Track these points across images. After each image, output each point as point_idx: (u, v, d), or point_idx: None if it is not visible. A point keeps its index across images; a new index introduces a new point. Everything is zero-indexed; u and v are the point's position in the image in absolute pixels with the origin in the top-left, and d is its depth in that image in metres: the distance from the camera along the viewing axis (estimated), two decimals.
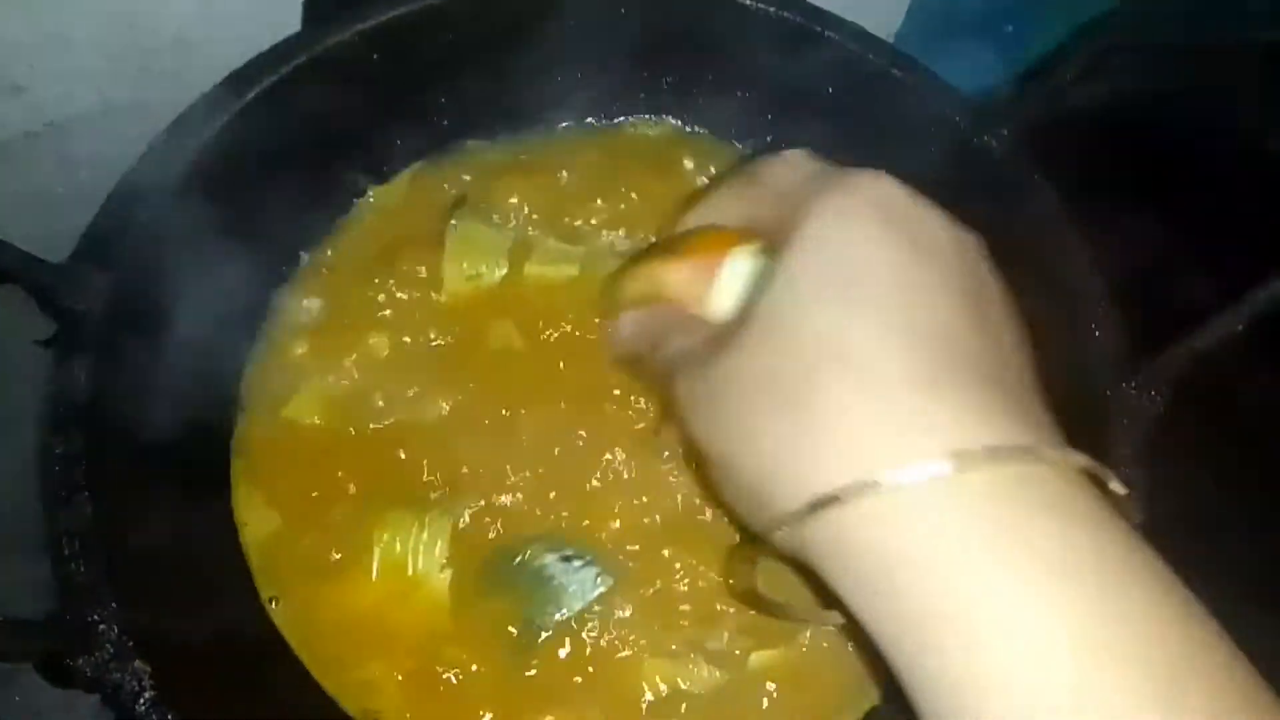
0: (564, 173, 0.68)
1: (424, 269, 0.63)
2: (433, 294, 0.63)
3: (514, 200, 0.66)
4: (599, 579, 0.54)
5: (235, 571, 0.54)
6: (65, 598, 0.44)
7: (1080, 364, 0.55)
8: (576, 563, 0.55)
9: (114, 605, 0.44)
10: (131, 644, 0.43)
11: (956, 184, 0.60)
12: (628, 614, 0.54)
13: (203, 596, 0.51)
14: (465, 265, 0.63)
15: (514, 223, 0.66)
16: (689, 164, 0.70)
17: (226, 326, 0.59)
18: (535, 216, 0.66)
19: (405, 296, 0.63)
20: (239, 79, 0.58)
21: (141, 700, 0.43)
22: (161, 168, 0.55)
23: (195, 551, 0.53)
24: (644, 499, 0.56)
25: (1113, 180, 0.73)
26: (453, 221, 0.63)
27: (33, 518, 0.64)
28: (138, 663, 0.43)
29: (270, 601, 0.54)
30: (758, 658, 0.54)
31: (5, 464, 0.66)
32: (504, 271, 0.63)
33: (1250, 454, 0.59)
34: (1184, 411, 0.51)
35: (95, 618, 0.43)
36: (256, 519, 0.56)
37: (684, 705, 0.53)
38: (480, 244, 0.63)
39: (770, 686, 0.54)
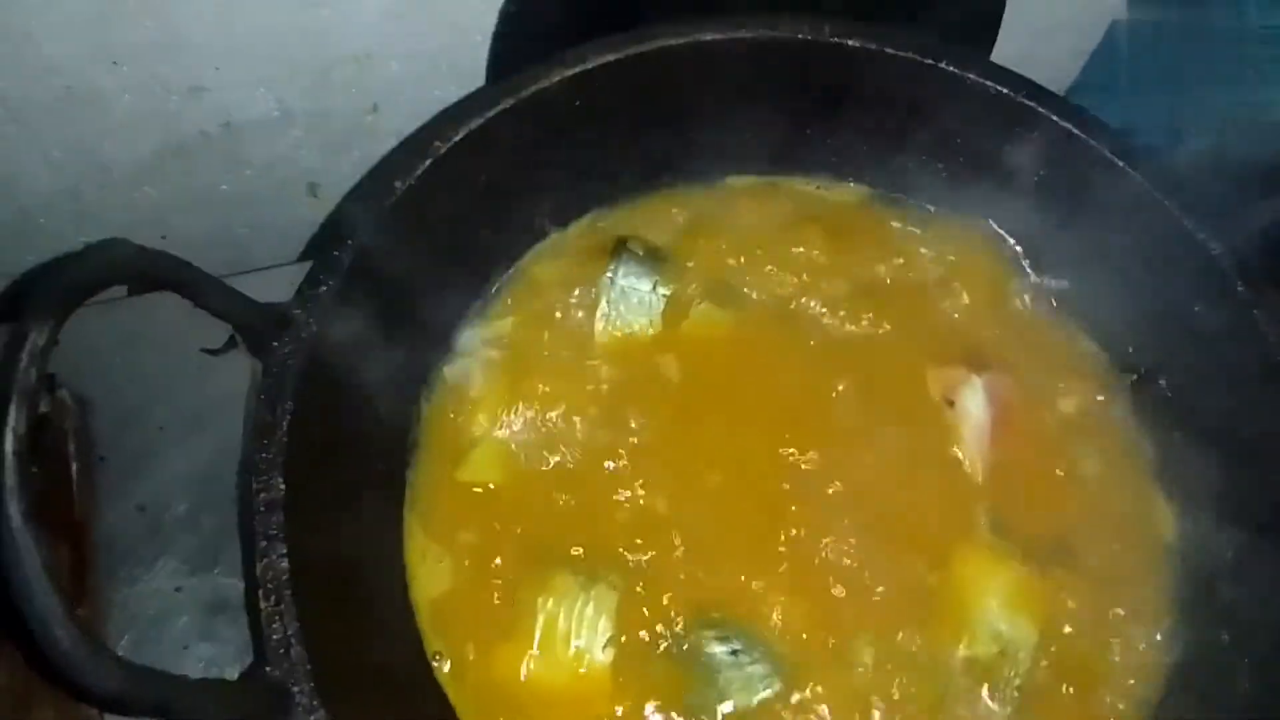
0: (735, 230, 0.66)
1: (587, 318, 0.62)
2: (594, 341, 0.62)
3: (683, 252, 0.65)
4: (766, 681, 0.53)
5: (408, 628, 0.53)
6: (259, 656, 0.44)
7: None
8: (745, 658, 0.53)
9: (308, 666, 0.44)
10: (324, 711, 0.43)
11: (1175, 284, 0.58)
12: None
13: (378, 654, 0.51)
14: (619, 323, 0.62)
15: (676, 278, 0.64)
16: (875, 230, 0.68)
17: (408, 374, 0.59)
18: (701, 267, 0.65)
19: (570, 346, 0.62)
20: (443, 121, 0.56)
21: None
22: (365, 208, 0.54)
23: (371, 607, 0.53)
24: (836, 591, 0.54)
25: None
26: (608, 275, 0.62)
27: (190, 530, 0.66)
28: None
29: (435, 658, 0.54)
30: None
31: (169, 475, 0.67)
32: (659, 325, 0.62)
33: None
34: None
35: (291, 681, 0.43)
36: (427, 574, 0.55)
37: None
38: (633, 299, 0.62)
39: None
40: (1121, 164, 0.59)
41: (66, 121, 0.74)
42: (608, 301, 0.62)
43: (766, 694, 0.52)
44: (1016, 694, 0.54)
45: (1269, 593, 0.51)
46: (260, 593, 0.45)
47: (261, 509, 0.46)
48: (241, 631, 0.60)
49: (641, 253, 0.63)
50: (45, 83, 0.69)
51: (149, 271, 0.46)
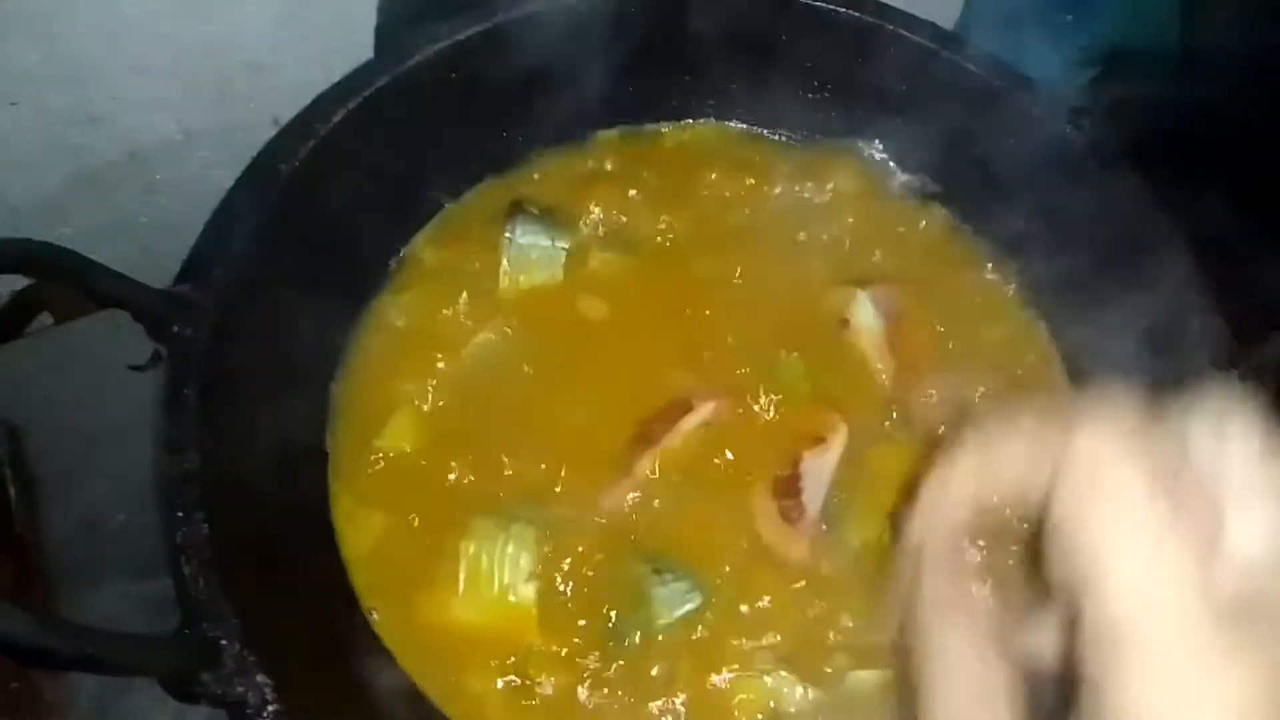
0: (624, 180, 0.69)
1: (489, 277, 0.65)
2: (497, 299, 0.64)
3: (577, 206, 0.68)
4: (689, 595, 0.54)
5: (339, 584, 0.55)
6: (188, 614, 0.45)
7: (1178, 349, 0.54)
8: (668, 575, 0.55)
9: (235, 621, 0.45)
10: (254, 659, 0.44)
11: (1043, 176, 0.61)
12: (719, 633, 0.54)
13: (311, 609, 0.53)
14: (521, 279, 0.64)
15: (574, 227, 0.67)
16: (757, 164, 0.70)
17: (320, 341, 0.60)
18: (598, 222, 0.67)
19: (476, 306, 0.64)
20: (324, 103, 0.59)
21: (265, 713, 0.44)
22: (253, 194, 0.56)
23: (301, 566, 0.54)
24: (738, 520, 0.57)
25: (1196, 170, 0.72)
26: (507, 234, 0.65)
27: (133, 537, 0.67)
28: (261, 677, 0.44)
29: (370, 613, 0.55)
30: (856, 677, 0.54)
31: (106, 487, 0.68)
32: (560, 276, 0.65)
33: None
34: None
35: (218, 634, 0.44)
36: (355, 532, 0.57)
37: None
38: (533, 255, 0.65)
39: (874, 709, 0.53)
40: (972, 67, 0.62)
41: None
42: (508, 260, 0.64)
43: (689, 608, 0.54)
44: None
45: None
46: (182, 559, 0.46)
47: (177, 481, 0.48)
48: None
49: (537, 211, 0.66)
50: None
51: (44, 261, 0.47)
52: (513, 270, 0.64)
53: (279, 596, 0.50)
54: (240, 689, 0.44)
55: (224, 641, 0.45)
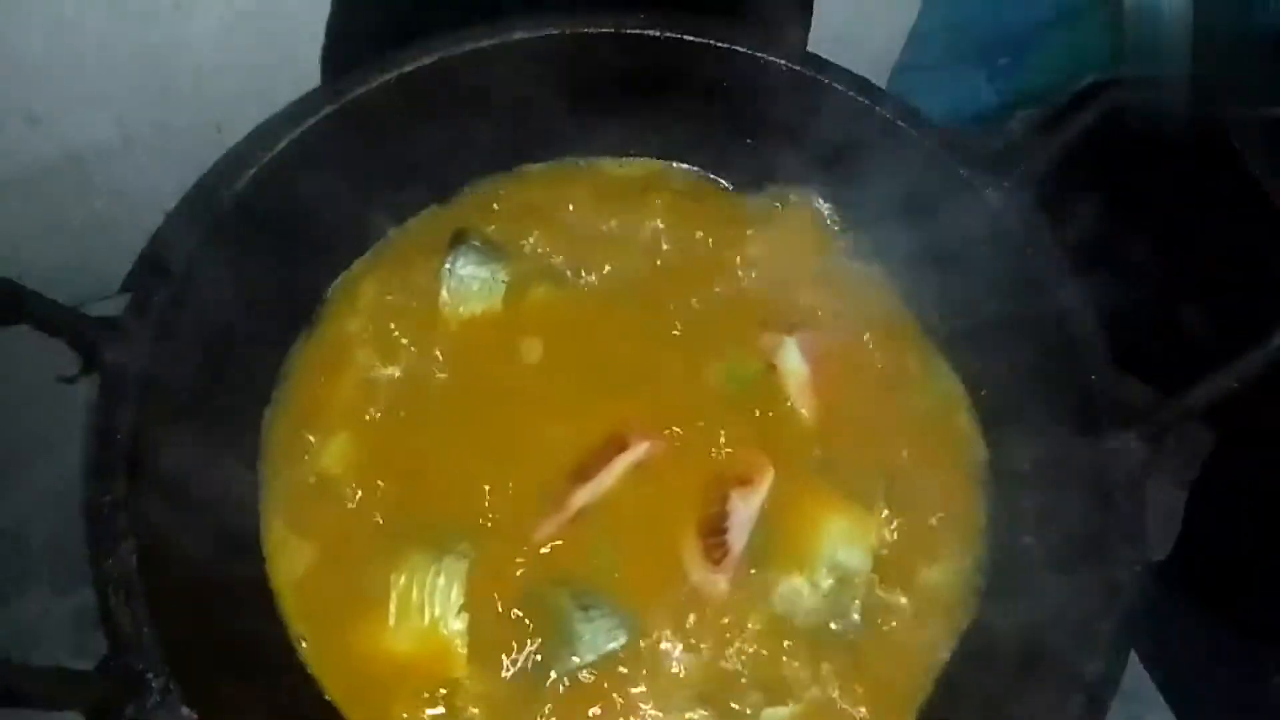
0: (567, 214, 0.70)
1: (428, 307, 0.66)
2: (437, 330, 0.65)
3: (518, 238, 0.69)
4: (614, 632, 0.56)
5: (268, 613, 0.55)
6: (113, 647, 0.46)
7: (1083, 409, 0.57)
8: (594, 613, 0.56)
9: (159, 653, 0.46)
10: (178, 691, 0.45)
11: (962, 230, 0.63)
12: (641, 670, 0.56)
13: (239, 638, 0.53)
14: (461, 310, 0.65)
15: (515, 259, 0.68)
16: (694, 203, 0.72)
17: (254, 368, 0.61)
18: (538, 255, 0.69)
19: (414, 335, 0.65)
20: (266, 130, 0.59)
21: None
22: (192, 220, 0.56)
23: (230, 594, 0.54)
24: (666, 558, 0.58)
25: (1109, 210, 0.76)
26: (447, 265, 0.66)
27: (55, 550, 0.67)
28: (185, 710, 0.45)
29: (299, 641, 0.56)
30: (769, 714, 0.56)
31: (29, 498, 0.68)
32: (500, 308, 0.66)
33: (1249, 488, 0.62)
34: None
35: (143, 667, 0.45)
36: (286, 560, 0.58)
37: None
38: (473, 286, 0.66)
39: None
40: (904, 126, 0.64)
41: None
42: (448, 290, 0.65)
43: (614, 645, 0.56)
44: (857, 617, 0.59)
45: (1056, 499, 0.57)
46: (110, 589, 0.47)
47: (105, 510, 0.48)
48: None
49: (479, 243, 0.66)
50: None
51: None
52: (452, 301, 0.65)
53: (207, 625, 0.51)
54: None
55: (149, 675, 0.45)
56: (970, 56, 1.11)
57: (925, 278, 0.67)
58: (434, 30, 0.65)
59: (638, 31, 0.65)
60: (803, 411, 0.64)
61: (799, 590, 0.59)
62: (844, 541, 0.61)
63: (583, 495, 0.60)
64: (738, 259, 0.69)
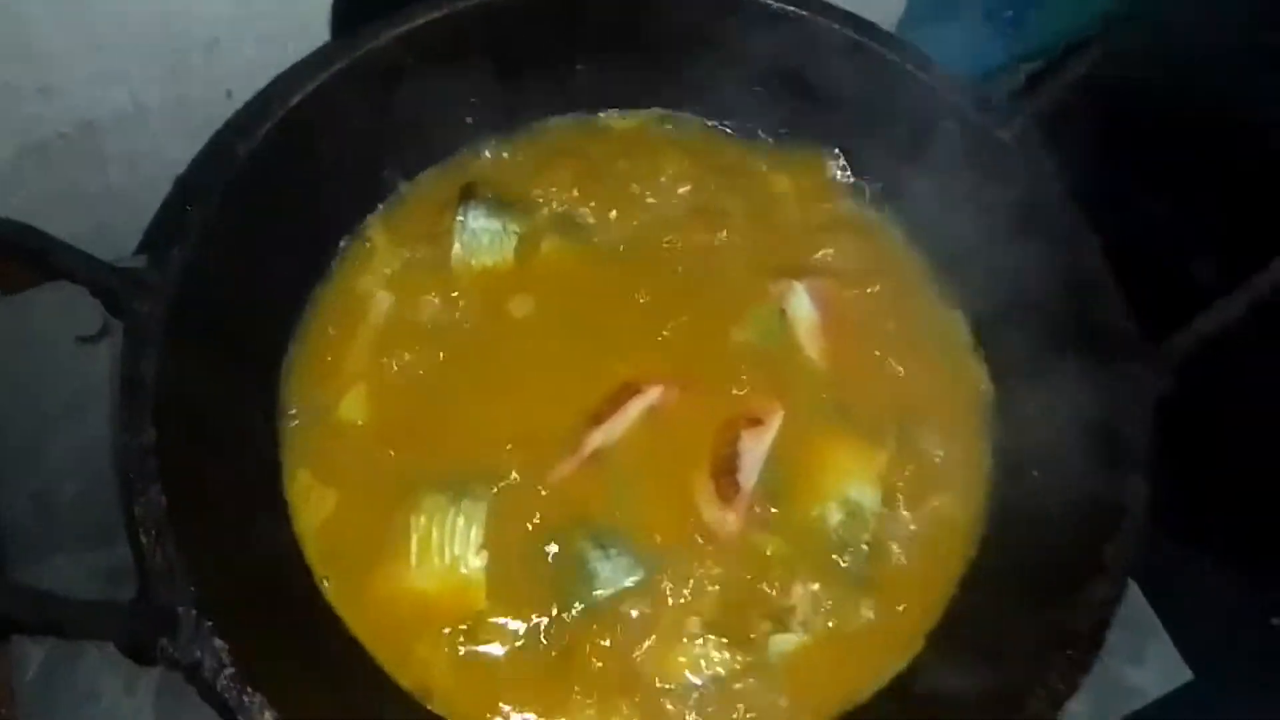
0: (578, 167, 0.71)
1: (442, 259, 0.67)
2: (450, 281, 0.66)
3: (528, 191, 0.70)
4: (631, 568, 0.57)
5: (292, 554, 0.57)
6: (146, 583, 0.47)
7: (1090, 344, 0.58)
8: (611, 551, 0.58)
9: (191, 589, 0.47)
10: (210, 625, 0.46)
11: (970, 172, 0.64)
12: (657, 604, 0.57)
13: (265, 578, 0.54)
14: (473, 262, 0.66)
15: (525, 212, 0.69)
16: (707, 155, 0.73)
17: (273, 320, 0.62)
18: (549, 208, 0.69)
19: (428, 286, 0.66)
20: (280, 86, 0.60)
21: (222, 676, 0.46)
22: (210, 173, 0.57)
23: (255, 536, 0.56)
24: (679, 498, 0.60)
25: (1119, 164, 0.76)
26: (459, 218, 0.66)
27: (85, 509, 0.68)
28: (217, 641, 0.46)
29: (323, 581, 0.57)
30: (777, 640, 0.57)
31: (55, 460, 0.69)
32: (511, 261, 0.67)
33: (1252, 434, 0.62)
34: (1191, 391, 0.54)
35: (175, 601, 0.46)
36: (308, 505, 0.59)
37: (706, 687, 0.56)
38: (485, 239, 0.67)
39: (793, 669, 0.57)
40: (916, 72, 0.65)
41: None
42: (460, 244, 0.66)
43: (631, 581, 0.57)
44: (866, 548, 0.60)
45: (1063, 431, 0.58)
46: (141, 529, 0.48)
47: (134, 455, 0.50)
48: None
49: (490, 195, 0.67)
50: None
51: (7, 238, 0.48)
52: (465, 253, 0.66)
53: (234, 565, 0.52)
54: (197, 654, 0.46)
55: (180, 609, 0.47)
56: (976, 11, 1.11)
57: (934, 221, 0.68)
58: None
59: None
60: (813, 356, 0.65)
61: (810, 525, 0.60)
62: (854, 478, 0.62)
63: (597, 438, 0.61)
64: (747, 207, 0.70)
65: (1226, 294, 0.56)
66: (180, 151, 0.86)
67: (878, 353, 0.66)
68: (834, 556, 0.59)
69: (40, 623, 0.42)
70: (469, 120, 0.70)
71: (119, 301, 0.52)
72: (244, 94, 0.81)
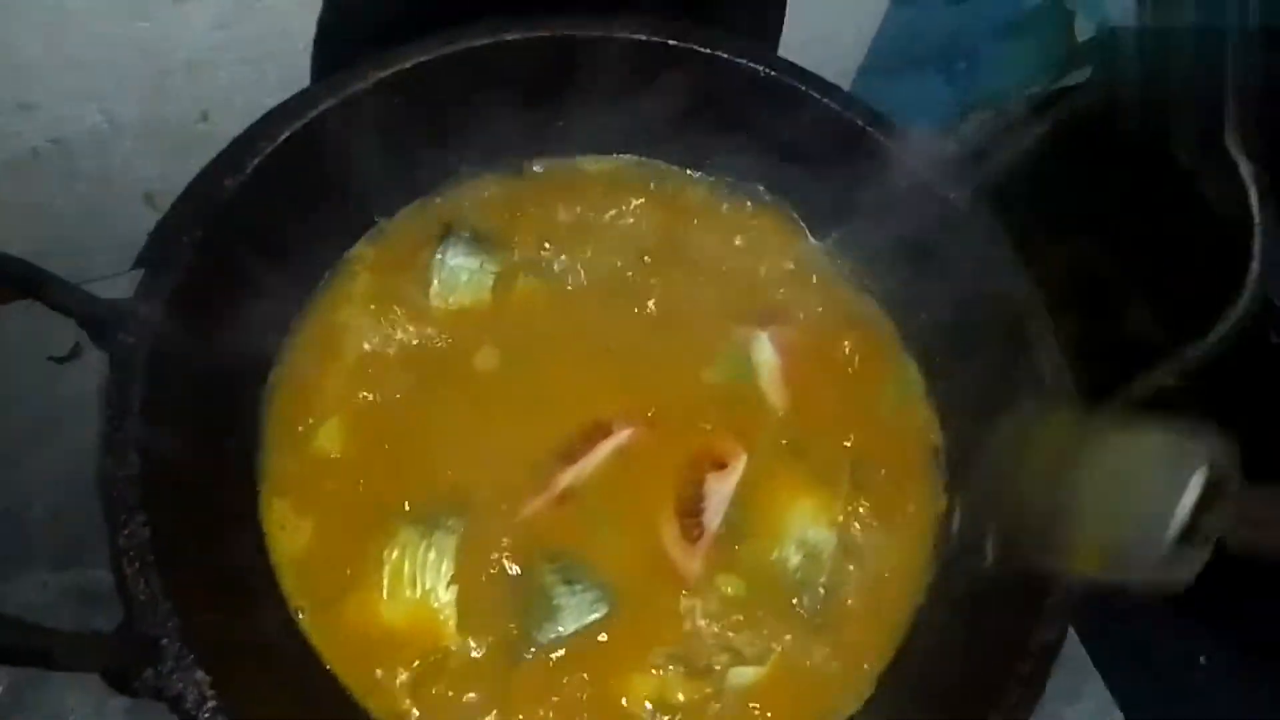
0: (553, 210, 0.74)
1: (419, 295, 0.69)
2: (427, 317, 0.68)
3: (505, 231, 0.72)
4: (595, 604, 0.60)
5: (270, 585, 0.58)
6: (130, 613, 0.48)
7: (1030, 397, 0.62)
8: (577, 586, 0.60)
9: (174, 620, 0.48)
10: (192, 657, 0.48)
11: (922, 228, 0.68)
12: (620, 636, 0.60)
13: (244, 609, 0.56)
14: (450, 299, 0.68)
15: (502, 252, 0.71)
16: (676, 200, 0.76)
17: (254, 351, 0.63)
18: (525, 248, 0.72)
19: (406, 322, 0.68)
20: (268, 123, 0.61)
21: (204, 710, 0.47)
22: (197, 207, 0.58)
23: (234, 567, 0.57)
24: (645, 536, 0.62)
25: (1063, 213, 0.81)
26: (438, 255, 0.68)
27: (53, 528, 0.68)
28: (199, 673, 0.47)
29: (297, 612, 0.59)
30: (736, 672, 0.60)
31: (27, 478, 0.69)
32: (488, 299, 0.69)
33: None
34: None
35: (159, 633, 0.48)
36: (285, 535, 0.60)
37: (665, 716, 0.59)
38: (462, 277, 0.69)
39: (750, 701, 0.59)
40: (872, 131, 0.68)
41: None
42: (439, 281, 0.68)
43: (595, 616, 0.59)
44: (822, 591, 0.63)
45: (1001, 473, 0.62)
46: (125, 559, 0.49)
47: (120, 484, 0.51)
48: (112, 619, 0.64)
49: (468, 235, 0.69)
50: None
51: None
52: (442, 290, 0.68)
53: (214, 596, 0.53)
54: (180, 685, 0.47)
55: (164, 640, 0.48)
56: (930, 61, 1.16)
57: (888, 274, 0.72)
58: (423, 30, 0.67)
59: (624, 36, 0.68)
60: (774, 401, 0.68)
61: (770, 567, 0.64)
62: (811, 521, 0.65)
63: (568, 476, 0.63)
64: (713, 255, 0.73)
65: (1162, 353, 0.60)
66: (153, 170, 0.87)
67: (835, 398, 0.69)
68: (792, 599, 0.62)
69: (27, 652, 0.43)
70: (449, 159, 0.72)
71: (106, 332, 0.53)
72: (220, 116, 0.82)
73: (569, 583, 0.60)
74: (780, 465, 0.66)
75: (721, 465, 0.65)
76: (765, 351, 0.69)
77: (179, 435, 0.55)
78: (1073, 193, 0.91)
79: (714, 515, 0.63)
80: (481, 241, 0.70)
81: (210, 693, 0.47)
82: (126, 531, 0.50)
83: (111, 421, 0.51)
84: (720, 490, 0.64)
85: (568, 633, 0.59)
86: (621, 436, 0.64)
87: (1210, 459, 0.43)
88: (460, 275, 0.68)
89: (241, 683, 0.50)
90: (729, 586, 0.62)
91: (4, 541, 0.66)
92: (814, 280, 0.73)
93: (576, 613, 0.59)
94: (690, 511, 0.63)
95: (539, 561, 0.60)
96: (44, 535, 0.67)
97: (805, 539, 0.64)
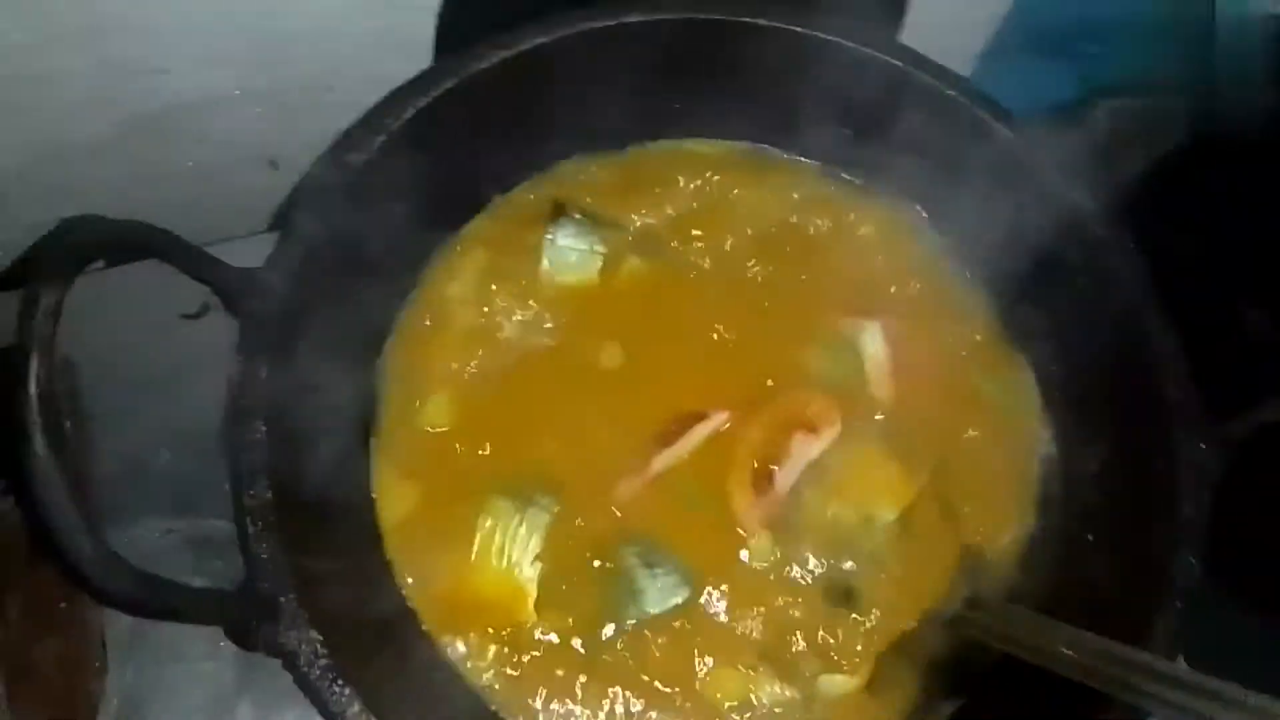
0: (664, 191, 0.73)
1: (529, 274, 0.69)
2: (536, 295, 0.69)
3: (616, 213, 0.72)
4: (677, 588, 0.60)
5: (374, 548, 0.60)
6: (251, 572, 0.51)
7: (1155, 419, 0.59)
8: (658, 570, 0.60)
9: (291, 580, 0.51)
10: (306, 615, 0.50)
11: (1044, 234, 0.66)
12: (703, 625, 0.60)
13: (351, 569, 0.58)
14: (558, 279, 0.69)
15: (612, 234, 0.71)
16: (790, 190, 0.75)
17: (371, 323, 0.65)
18: (633, 226, 0.72)
19: (515, 300, 0.69)
20: (394, 100, 0.62)
21: (315, 667, 0.49)
22: (325, 180, 0.60)
23: (343, 530, 0.60)
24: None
25: (1192, 244, 0.77)
26: (548, 235, 0.69)
27: (174, 477, 0.72)
28: (313, 632, 0.50)
29: (400, 575, 0.61)
30: (827, 680, 0.60)
31: (151, 428, 0.73)
32: (596, 280, 0.69)
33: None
34: (1246, 473, 0.56)
35: (277, 591, 0.50)
36: (392, 502, 0.62)
37: (750, 716, 0.59)
38: (571, 257, 0.69)
39: (837, 707, 0.60)
40: (996, 124, 0.66)
41: (28, 106, 0.78)
42: (549, 260, 0.69)
43: (676, 601, 0.60)
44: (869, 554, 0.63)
45: (1116, 498, 0.60)
46: (248, 520, 0.52)
47: (245, 449, 0.53)
48: (228, 565, 0.67)
49: (578, 215, 0.70)
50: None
51: (138, 240, 0.52)
52: (552, 269, 0.69)
53: (326, 558, 0.55)
54: (296, 642, 0.50)
55: (282, 599, 0.50)
56: (1056, 45, 1.11)
57: (1009, 276, 0.70)
58: (542, 11, 0.68)
59: (741, 19, 0.67)
60: (878, 394, 0.68)
61: (824, 521, 0.63)
62: (877, 492, 0.65)
63: (662, 460, 0.64)
64: (827, 243, 0.72)
65: None
66: (276, 135, 0.89)
67: (941, 395, 0.68)
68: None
69: (159, 607, 0.46)
70: (562, 141, 0.73)
71: (238, 300, 0.56)
72: (343, 84, 0.84)
73: (650, 566, 0.61)
74: (866, 442, 0.66)
75: (812, 430, 0.64)
76: (875, 343, 0.68)
77: (300, 402, 0.57)
78: (1204, 191, 0.87)
79: (789, 475, 0.63)
80: (592, 222, 0.70)
81: (323, 651, 0.49)
82: (251, 494, 0.52)
83: (239, 388, 0.54)
84: (804, 452, 0.64)
85: (646, 617, 0.60)
86: (716, 421, 0.64)
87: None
88: (569, 255, 0.69)
89: (349, 640, 0.52)
90: (778, 548, 0.62)
91: (127, 489, 0.70)
92: (931, 278, 0.72)
93: (656, 597, 0.60)
94: (765, 467, 0.63)
95: (623, 544, 0.61)
96: (165, 484, 0.70)
97: (864, 505, 0.64)
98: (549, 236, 0.69)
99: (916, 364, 0.68)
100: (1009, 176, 0.67)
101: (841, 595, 0.62)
